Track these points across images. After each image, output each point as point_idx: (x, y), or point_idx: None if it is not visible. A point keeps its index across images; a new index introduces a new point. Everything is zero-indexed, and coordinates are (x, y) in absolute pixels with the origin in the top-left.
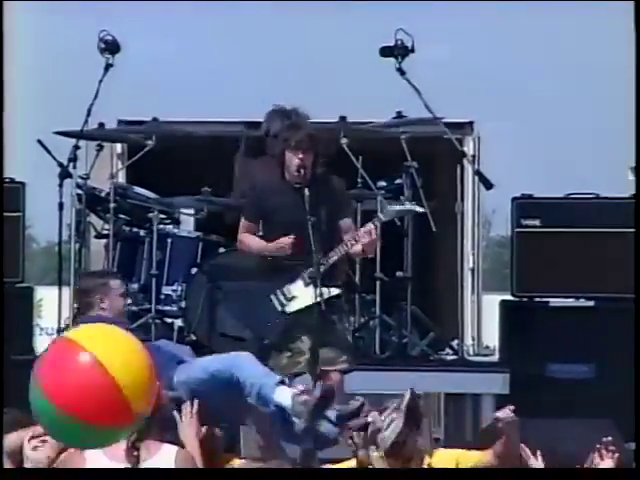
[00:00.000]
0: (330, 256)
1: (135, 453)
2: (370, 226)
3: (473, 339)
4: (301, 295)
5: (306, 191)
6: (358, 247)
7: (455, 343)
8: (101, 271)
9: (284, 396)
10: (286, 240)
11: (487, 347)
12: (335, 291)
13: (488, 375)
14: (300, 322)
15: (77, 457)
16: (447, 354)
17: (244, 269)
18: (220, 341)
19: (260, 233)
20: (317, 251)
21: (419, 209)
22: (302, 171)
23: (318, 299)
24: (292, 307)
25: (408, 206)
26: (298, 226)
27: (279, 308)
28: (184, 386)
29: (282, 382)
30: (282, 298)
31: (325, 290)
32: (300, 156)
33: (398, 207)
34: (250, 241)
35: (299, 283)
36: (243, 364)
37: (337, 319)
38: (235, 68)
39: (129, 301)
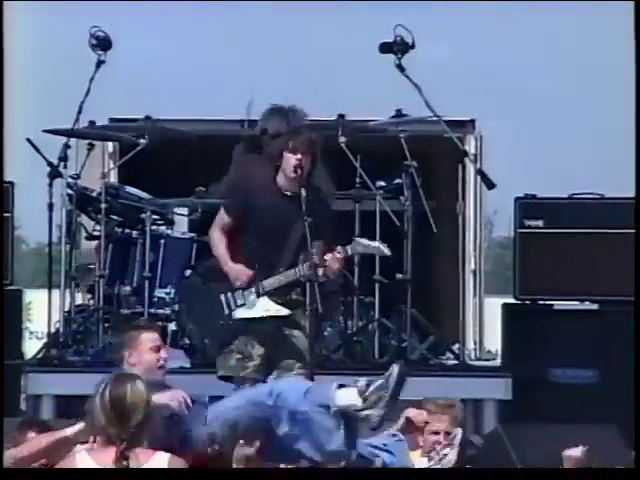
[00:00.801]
0: (288, 275)
1: (124, 463)
2: (337, 255)
3: (475, 343)
4: (250, 305)
5: (303, 192)
6: (320, 271)
7: (456, 347)
8: (136, 322)
9: (350, 396)
10: (244, 273)
11: (489, 351)
12: (284, 311)
13: (490, 380)
14: (255, 327)
15: (67, 461)
16: (448, 358)
17: None
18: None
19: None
20: (312, 254)
21: (386, 251)
22: (299, 172)
23: (265, 314)
24: (239, 314)
25: (378, 245)
26: (281, 232)
27: (225, 310)
28: (218, 420)
29: (341, 385)
30: (231, 301)
31: (274, 307)
32: (298, 158)
33: (367, 243)
34: (218, 245)
35: (252, 291)
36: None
37: (296, 327)
38: (230, 65)
39: (164, 354)
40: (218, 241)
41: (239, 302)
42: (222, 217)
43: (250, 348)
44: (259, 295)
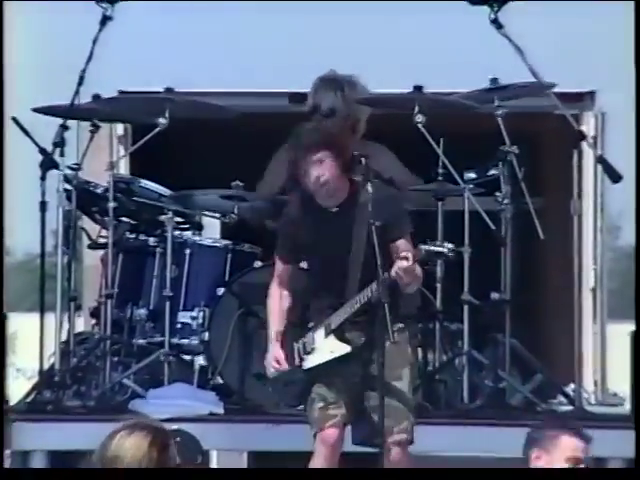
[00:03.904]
0: (353, 303)
1: None
2: (405, 262)
3: (595, 384)
4: (319, 348)
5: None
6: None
7: (570, 389)
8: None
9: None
10: (278, 360)
11: (614, 394)
12: (347, 348)
13: (615, 432)
14: (340, 366)
15: None
16: (560, 403)
17: None
18: (254, 385)
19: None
20: (354, 290)
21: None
22: (322, 182)
23: (330, 357)
24: (309, 363)
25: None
26: (341, 260)
27: (297, 361)
28: None
29: None
30: (302, 349)
31: (339, 346)
32: (315, 165)
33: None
34: (270, 310)
35: (320, 333)
36: None
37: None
38: (276, 27)
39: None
40: (272, 303)
41: (309, 348)
42: (277, 263)
43: (335, 392)
44: (327, 334)
